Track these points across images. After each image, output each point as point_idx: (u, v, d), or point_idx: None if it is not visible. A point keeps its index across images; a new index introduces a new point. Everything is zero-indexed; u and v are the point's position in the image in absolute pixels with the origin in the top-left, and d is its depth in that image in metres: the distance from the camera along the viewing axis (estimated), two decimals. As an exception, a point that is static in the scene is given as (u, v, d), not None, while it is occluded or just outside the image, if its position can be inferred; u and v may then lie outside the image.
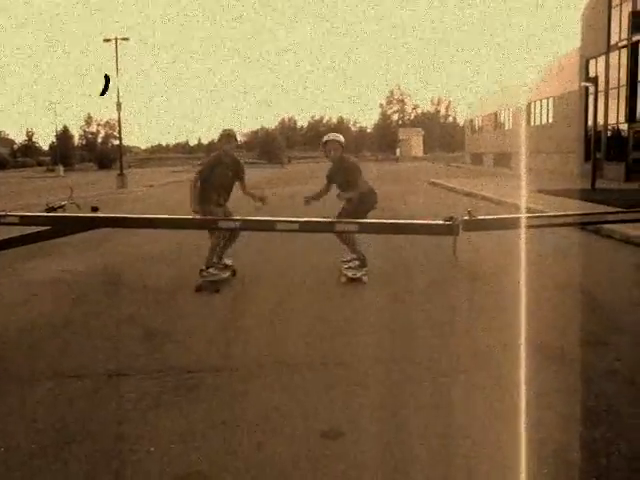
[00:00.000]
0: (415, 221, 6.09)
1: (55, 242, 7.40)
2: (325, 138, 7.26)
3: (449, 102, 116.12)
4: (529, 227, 5.77)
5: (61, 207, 14.03)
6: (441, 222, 5.42)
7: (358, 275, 6.83)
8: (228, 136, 7.43)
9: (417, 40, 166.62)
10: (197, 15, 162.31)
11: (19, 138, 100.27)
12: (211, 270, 7.04)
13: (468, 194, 19.50)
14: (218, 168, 7.25)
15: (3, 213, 5.95)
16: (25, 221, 6.00)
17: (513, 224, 6.02)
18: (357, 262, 6.99)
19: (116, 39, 34.93)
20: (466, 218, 5.41)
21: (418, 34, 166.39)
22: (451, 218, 5.37)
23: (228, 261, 7.49)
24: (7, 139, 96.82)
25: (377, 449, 3.35)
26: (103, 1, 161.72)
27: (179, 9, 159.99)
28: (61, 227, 6.20)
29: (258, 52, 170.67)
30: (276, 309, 6.17)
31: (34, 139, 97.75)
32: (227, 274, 7.29)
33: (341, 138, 7.22)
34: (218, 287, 6.70)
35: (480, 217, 5.61)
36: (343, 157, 7.19)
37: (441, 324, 5.49)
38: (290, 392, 4.13)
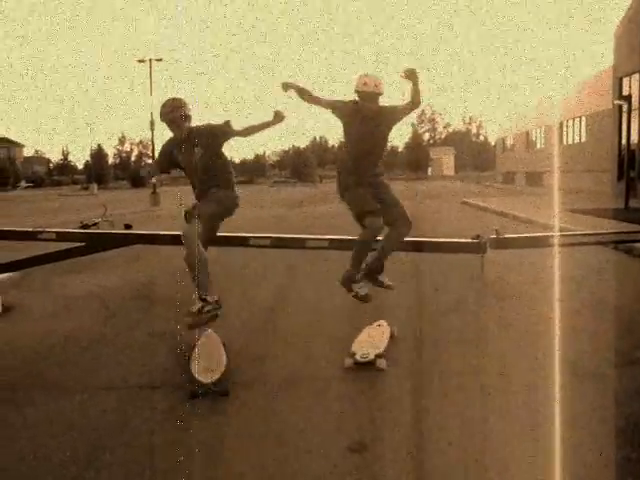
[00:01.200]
0: (443, 239, 6.11)
1: (89, 258, 7.57)
2: (368, 82, 5.18)
3: (480, 121, 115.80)
4: (558, 246, 5.75)
5: (95, 224, 14.32)
6: (469, 240, 5.44)
7: (371, 356, 4.88)
8: (168, 121, 5.17)
9: (448, 58, 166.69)
10: (227, 34, 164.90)
11: (55, 157, 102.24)
12: (208, 308, 4.78)
13: (499, 213, 19.40)
14: (178, 151, 5.26)
15: (40, 229, 6.13)
16: (61, 237, 6.18)
17: (542, 242, 6.01)
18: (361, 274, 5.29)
19: (150, 60, 35.67)
20: (493, 236, 5.43)
21: (449, 53, 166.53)
22: (478, 236, 5.39)
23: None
24: (44, 158, 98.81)
25: (402, 463, 3.38)
26: (137, 22, 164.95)
27: (211, 28, 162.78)
28: (95, 243, 6.36)
29: (288, 70, 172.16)
30: (305, 326, 6.24)
31: (69, 158, 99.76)
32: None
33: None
34: (227, 389, 4.40)
35: (508, 235, 5.62)
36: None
37: (470, 341, 5.49)
38: (317, 406, 4.18)
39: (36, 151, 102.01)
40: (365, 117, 5.18)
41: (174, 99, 5.16)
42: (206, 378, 4.43)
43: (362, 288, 5.26)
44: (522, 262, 8.73)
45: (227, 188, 5.24)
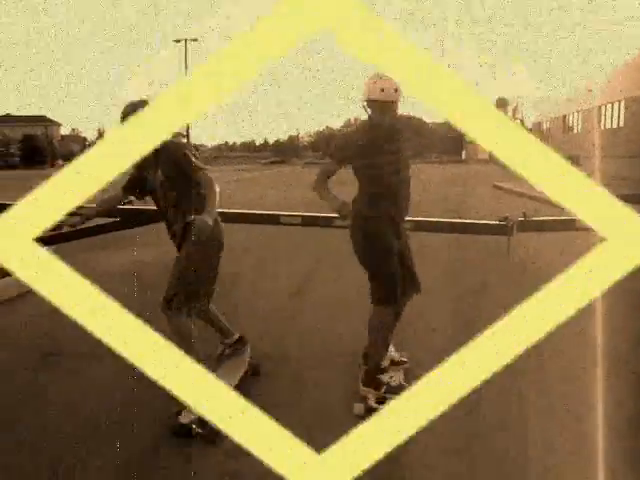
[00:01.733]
0: (469, 220, 6.13)
1: (123, 234, 7.76)
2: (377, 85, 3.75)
3: (516, 104, 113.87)
4: (585, 229, 5.72)
5: (129, 202, 14.57)
6: (495, 222, 5.46)
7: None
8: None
9: (482, 40, 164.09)
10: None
11: (91, 136, 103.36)
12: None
13: (531, 197, 19.20)
14: (150, 172, 3.99)
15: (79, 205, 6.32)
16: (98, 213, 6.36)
17: (570, 226, 5.98)
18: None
19: (185, 40, 35.84)
20: (521, 219, 5.44)
21: (483, 33, 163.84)
22: (506, 218, 5.40)
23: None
24: (79, 137, 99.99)
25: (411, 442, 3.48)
26: (173, 3, 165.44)
27: (245, 9, 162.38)
28: (129, 219, 6.51)
29: (323, 53, 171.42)
30: (333, 304, 6.35)
31: (105, 136, 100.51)
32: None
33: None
34: (214, 435, 3.35)
35: (535, 218, 5.63)
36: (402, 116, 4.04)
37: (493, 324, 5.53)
38: (341, 381, 4.31)
39: (72, 129, 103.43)
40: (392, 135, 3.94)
41: (136, 101, 3.87)
42: (185, 417, 3.54)
43: (393, 378, 4.18)
44: (552, 246, 8.70)
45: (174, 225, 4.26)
